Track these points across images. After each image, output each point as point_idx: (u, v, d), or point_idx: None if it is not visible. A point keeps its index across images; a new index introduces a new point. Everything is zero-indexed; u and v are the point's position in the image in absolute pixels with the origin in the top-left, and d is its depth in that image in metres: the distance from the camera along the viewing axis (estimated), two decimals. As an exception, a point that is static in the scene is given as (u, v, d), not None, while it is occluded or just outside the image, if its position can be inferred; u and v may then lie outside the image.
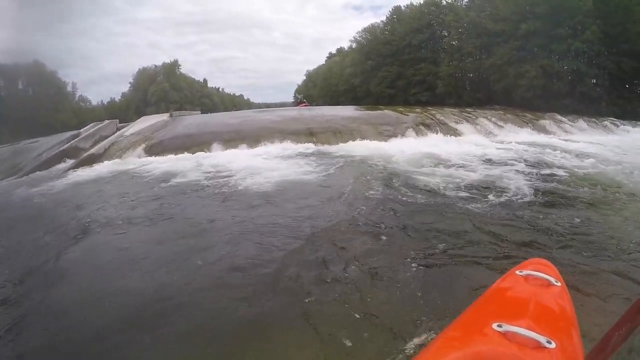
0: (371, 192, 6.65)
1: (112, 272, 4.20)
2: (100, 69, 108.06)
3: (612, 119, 18.10)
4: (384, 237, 4.66)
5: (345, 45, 49.08)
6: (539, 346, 1.34)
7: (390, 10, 36.64)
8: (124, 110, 51.09)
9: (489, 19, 26.01)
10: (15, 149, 17.72)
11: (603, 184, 6.98)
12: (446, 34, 31.60)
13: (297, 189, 6.90)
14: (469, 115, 15.65)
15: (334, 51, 60.69)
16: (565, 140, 12.84)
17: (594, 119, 17.23)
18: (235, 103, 78.12)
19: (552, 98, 21.14)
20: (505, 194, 6.28)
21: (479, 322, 1.56)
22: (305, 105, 33.23)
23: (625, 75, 21.68)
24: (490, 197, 6.10)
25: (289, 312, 3.23)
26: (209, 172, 8.71)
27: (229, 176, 8.11)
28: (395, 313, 3.17)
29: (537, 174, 7.80)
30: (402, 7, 35.44)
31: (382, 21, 37.66)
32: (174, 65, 60.72)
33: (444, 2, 31.45)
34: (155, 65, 59.79)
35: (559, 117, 16.79)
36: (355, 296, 3.40)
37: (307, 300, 3.33)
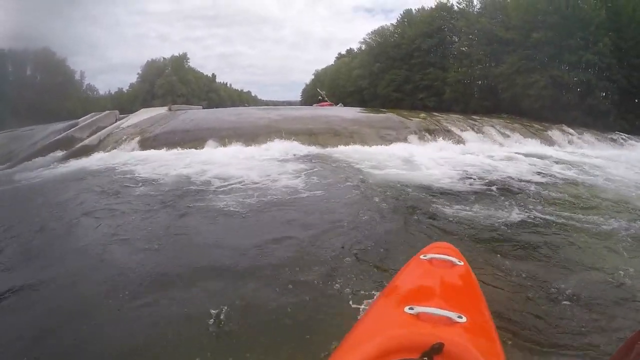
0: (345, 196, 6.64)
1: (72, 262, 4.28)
2: (109, 58, 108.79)
3: (620, 133, 17.83)
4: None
5: (355, 46, 48.70)
6: (451, 322, 1.42)
7: (401, 13, 36.42)
8: (131, 101, 50.94)
9: (500, 27, 25.69)
10: (13, 136, 17.60)
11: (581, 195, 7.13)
12: (456, 39, 31.23)
13: (271, 198, 6.62)
14: (474, 122, 15.40)
15: (343, 52, 60.39)
16: (571, 152, 12.67)
17: (601, 133, 16.97)
18: (243, 99, 78.02)
19: (560, 109, 20.77)
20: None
21: (391, 308, 1.64)
22: (328, 105, 31.61)
23: (635, 89, 21.33)
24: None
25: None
26: (194, 172, 8.53)
27: (209, 178, 7.96)
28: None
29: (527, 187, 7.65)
30: (413, 11, 35.18)
31: (393, 24, 37.40)
32: (183, 58, 60.74)
33: (456, 8, 31.08)
34: (164, 58, 59.81)
35: (566, 128, 16.50)
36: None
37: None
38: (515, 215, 5.66)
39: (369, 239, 4.62)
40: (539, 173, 9.03)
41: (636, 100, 22.02)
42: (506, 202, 6.29)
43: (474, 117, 17.62)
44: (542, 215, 5.69)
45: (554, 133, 15.47)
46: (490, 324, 1.68)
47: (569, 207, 6.25)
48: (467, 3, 30.16)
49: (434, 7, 32.65)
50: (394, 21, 37.40)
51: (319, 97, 37.24)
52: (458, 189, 7.24)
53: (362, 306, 3.01)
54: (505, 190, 7.25)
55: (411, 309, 1.49)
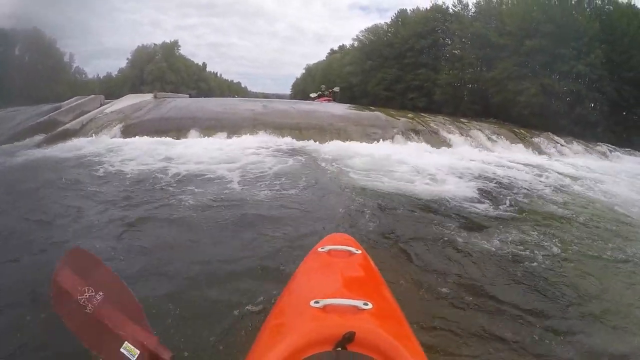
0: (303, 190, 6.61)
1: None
2: (101, 43, 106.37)
3: (608, 144, 17.82)
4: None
5: (348, 43, 48.42)
6: (358, 310, 1.43)
7: (396, 12, 36.22)
8: (120, 86, 49.78)
9: (494, 32, 25.72)
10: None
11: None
12: (449, 42, 31.21)
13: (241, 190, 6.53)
14: (462, 125, 15.21)
15: (335, 48, 59.98)
16: (557, 160, 12.58)
17: (588, 143, 16.94)
18: (232, 89, 77.22)
19: (549, 117, 20.87)
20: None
21: (296, 304, 1.62)
22: (327, 100, 28.78)
23: (625, 102, 21.55)
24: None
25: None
26: (165, 164, 8.21)
27: (178, 171, 7.67)
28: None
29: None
30: (408, 11, 34.99)
31: (387, 23, 37.20)
32: (174, 45, 59.75)
33: (451, 10, 30.98)
34: (155, 44, 58.73)
35: (553, 136, 16.41)
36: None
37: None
38: (434, 209, 5.89)
39: (277, 235, 4.53)
40: (490, 176, 8.92)
41: (624, 113, 22.18)
42: (435, 203, 6.27)
43: (462, 119, 17.44)
44: (455, 209, 5.93)
45: (541, 140, 15.34)
46: (396, 308, 1.71)
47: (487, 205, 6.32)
48: (463, 7, 30.13)
49: (428, 8, 32.53)
50: (389, 20, 37.20)
51: (321, 91, 34.54)
52: (408, 189, 7.04)
53: (268, 306, 2.88)
54: (440, 189, 7.17)
55: (317, 302, 1.47)
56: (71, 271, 1.83)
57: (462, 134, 13.95)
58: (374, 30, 38.54)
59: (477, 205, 6.24)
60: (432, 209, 5.97)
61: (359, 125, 13.48)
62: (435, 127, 14.21)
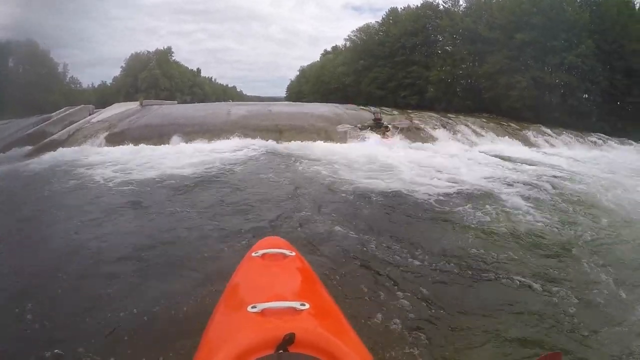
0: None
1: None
2: (96, 51, 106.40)
3: (600, 134, 17.67)
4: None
5: (341, 44, 48.17)
6: (296, 312, 1.46)
7: (387, 11, 36.03)
8: (114, 94, 49.64)
9: (484, 27, 25.48)
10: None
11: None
12: (440, 38, 31.00)
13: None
14: (449, 121, 15.03)
15: (329, 49, 59.69)
16: (543, 152, 12.54)
17: (581, 134, 16.82)
18: (228, 94, 77.03)
19: (541, 110, 20.79)
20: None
21: (234, 310, 1.63)
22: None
23: (617, 92, 21.31)
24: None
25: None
26: (141, 171, 8.39)
27: (152, 176, 7.87)
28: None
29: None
30: (399, 9, 34.75)
31: (378, 22, 36.99)
32: (167, 52, 59.79)
33: (441, 7, 30.77)
34: (149, 51, 58.72)
35: (544, 129, 16.28)
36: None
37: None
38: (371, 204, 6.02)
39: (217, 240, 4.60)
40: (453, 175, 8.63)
41: (618, 103, 21.97)
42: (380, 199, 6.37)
43: (450, 115, 17.30)
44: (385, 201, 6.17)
45: (531, 133, 15.18)
46: (333, 306, 1.75)
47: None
48: (453, 2, 29.92)
49: (419, 5, 32.28)
50: (381, 19, 36.97)
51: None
52: (363, 185, 7.15)
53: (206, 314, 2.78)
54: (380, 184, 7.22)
55: (254, 307, 1.48)
56: None
57: (448, 130, 13.78)
58: (365, 30, 38.38)
59: (429, 200, 6.29)
60: (383, 205, 6.07)
61: (341, 124, 13.36)
62: (420, 123, 14.04)
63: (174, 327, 2.91)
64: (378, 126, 12.93)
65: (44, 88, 41.55)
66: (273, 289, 1.74)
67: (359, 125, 13.05)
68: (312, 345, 1.30)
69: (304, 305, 1.48)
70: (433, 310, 3.24)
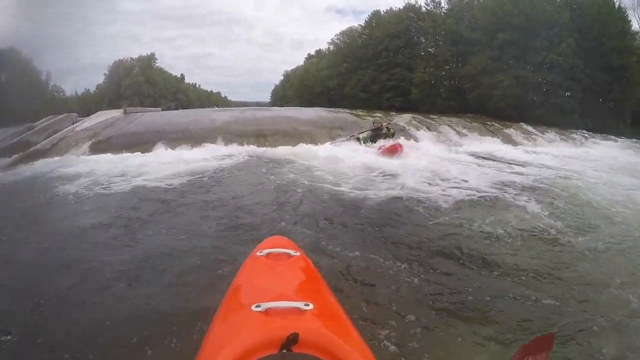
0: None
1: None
2: (79, 58, 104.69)
3: (583, 131, 17.75)
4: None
5: (324, 47, 48.16)
6: (300, 312, 1.46)
7: (370, 14, 36.08)
8: (98, 102, 49.01)
9: (466, 28, 25.66)
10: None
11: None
12: (423, 40, 31.14)
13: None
14: (431, 122, 14.95)
15: (312, 52, 59.70)
16: (524, 150, 12.62)
17: (564, 131, 16.89)
18: (212, 100, 76.59)
19: (525, 109, 20.92)
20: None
21: (238, 309, 1.61)
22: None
23: (599, 89, 21.44)
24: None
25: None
26: (124, 178, 8.27)
27: (133, 185, 7.74)
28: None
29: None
30: (382, 12, 34.83)
31: (361, 25, 37.05)
32: (151, 58, 59.33)
33: (424, 9, 30.88)
34: (132, 58, 58.18)
35: (526, 127, 16.37)
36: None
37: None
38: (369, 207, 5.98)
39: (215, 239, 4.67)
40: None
41: (600, 100, 22.13)
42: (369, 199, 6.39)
43: (433, 116, 17.27)
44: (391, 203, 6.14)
45: (512, 131, 15.21)
46: (337, 307, 1.74)
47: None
48: (435, 4, 30.06)
49: (402, 8, 32.38)
50: (363, 22, 37.01)
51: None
52: (339, 187, 7.19)
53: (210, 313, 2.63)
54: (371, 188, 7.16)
55: (258, 306, 1.47)
56: None
57: (430, 130, 13.67)
58: (348, 33, 38.49)
59: (409, 202, 6.29)
60: (370, 208, 6.02)
61: (324, 127, 13.40)
62: (403, 124, 13.92)
63: (176, 327, 2.89)
64: (378, 136, 11.37)
65: (26, 96, 40.98)
66: (277, 288, 1.72)
67: (357, 134, 11.94)
68: (315, 345, 1.29)
69: (307, 305, 1.48)
70: (436, 310, 3.23)
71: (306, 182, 7.46)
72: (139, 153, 11.09)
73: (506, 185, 7.39)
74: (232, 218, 5.41)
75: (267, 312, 1.45)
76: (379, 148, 10.55)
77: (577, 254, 4.35)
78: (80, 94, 56.03)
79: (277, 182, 7.62)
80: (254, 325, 1.40)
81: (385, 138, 11.11)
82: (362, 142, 11.47)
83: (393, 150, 10.12)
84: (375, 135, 11.41)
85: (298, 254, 2.10)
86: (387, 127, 11.46)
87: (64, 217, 5.90)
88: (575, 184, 7.79)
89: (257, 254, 2.09)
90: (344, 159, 9.58)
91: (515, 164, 9.97)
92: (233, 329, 1.48)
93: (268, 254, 2.06)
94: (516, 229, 4.99)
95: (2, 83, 42.06)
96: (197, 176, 8.20)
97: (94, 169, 9.29)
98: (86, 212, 6.12)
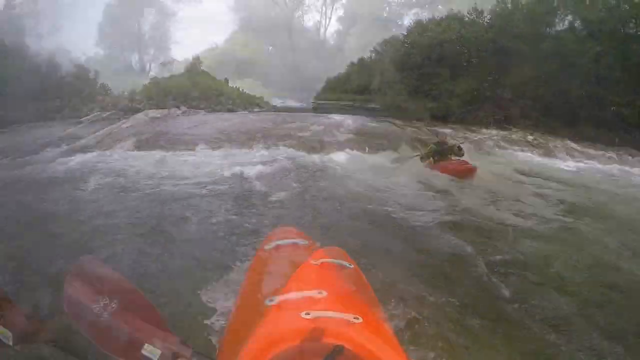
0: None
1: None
2: (127, 60, 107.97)
3: (629, 148, 17.24)
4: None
5: (367, 55, 48.08)
6: (348, 324, 1.46)
7: (412, 22, 36.03)
8: (144, 101, 50.84)
9: (509, 38, 25.29)
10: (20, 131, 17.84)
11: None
12: (465, 50, 30.77)
13: None
14: (469, 134, 15.06)
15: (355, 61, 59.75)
16: (570, 166, 12.53)
17: (610, 147, 16.59)
18: (255, 104, 77.45)
19: (570, 122, 20.43)
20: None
21: (286, 315, 1.62)
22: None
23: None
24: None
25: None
26: (166, 175, 8.94)
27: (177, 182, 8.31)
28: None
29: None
30: (424, 21, 34.68)
31: (403, 33, 36.96)
32: (196, 61, 60.77)
33: (466, 19, 30.63)
34: (176, 60, 59.81)
35: (570, 143, 16.10)
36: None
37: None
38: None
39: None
40: None
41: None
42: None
43: (472, 127, 17.26)
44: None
45: (558, 145, 15.12)
46: (385, 323, 1.77)
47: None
48: (477, 14, 29.76)
49: (444, 17, 32.17)
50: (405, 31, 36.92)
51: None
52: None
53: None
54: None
55: (307, 314, 1.50)
56: (83, 281, 1.85)
57: (469, 142, 13.78)
58: (390, 42, 38.37)
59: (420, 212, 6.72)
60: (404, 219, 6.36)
61: (361, 135, 13.59)
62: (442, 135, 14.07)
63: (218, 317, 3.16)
64: (444, 151, 10.12)
65: (77, 93, 42.82)
66: (328, 298, 1.72)
67: (417, 154, 10.89)
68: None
69: (357, 318, 1.50)
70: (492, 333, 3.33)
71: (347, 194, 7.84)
72: (181, 152, 11.70)
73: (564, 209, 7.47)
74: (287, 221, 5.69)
75: (315, 320, 1.47)
76: (440, 166, 9.72)
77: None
78: (126, 94, 58.14)
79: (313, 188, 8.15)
80: (300, 331, 1.41)
81: (450, 154, 10.06)
82: (423, 158, 10.51)
83: (467, 173, 9.11)
84: (442, 151, 10.19)
85: (352, 266, 2.11)
86: (458, 147, 10.15)
87: (100, 210, 6.46)
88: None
89: (312, 262, 2.03)
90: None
91: (563, 182, 9.98)
92: (278, 332, 1.48)
93: (322, 264, 2.02)
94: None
95: (64, 83, 44.22)
96: (239, 177, 8.69)
97: (137, 164, 9.97)
98: (127, 206, 6.64)
